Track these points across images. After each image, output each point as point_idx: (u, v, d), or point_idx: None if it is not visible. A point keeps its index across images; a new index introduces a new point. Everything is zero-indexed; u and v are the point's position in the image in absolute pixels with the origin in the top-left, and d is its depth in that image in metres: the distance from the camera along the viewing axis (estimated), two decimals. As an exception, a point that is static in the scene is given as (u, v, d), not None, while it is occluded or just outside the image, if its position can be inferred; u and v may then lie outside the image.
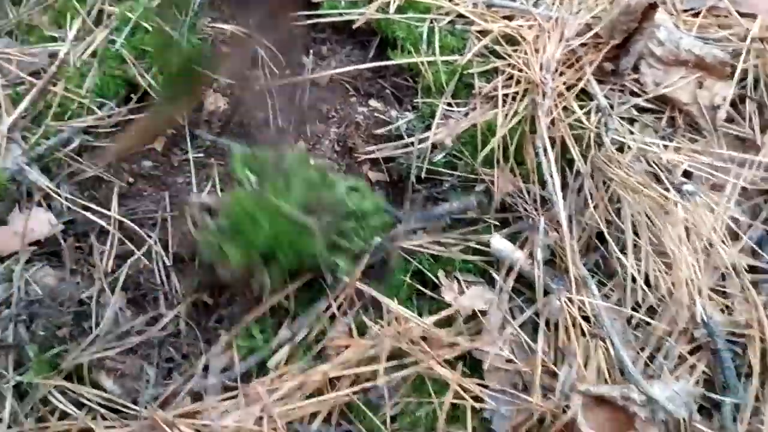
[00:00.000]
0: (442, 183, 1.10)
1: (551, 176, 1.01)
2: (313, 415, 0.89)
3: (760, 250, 1.03)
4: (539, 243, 0.97)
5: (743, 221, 1.03)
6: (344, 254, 0.95)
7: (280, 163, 0.91)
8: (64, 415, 0.89)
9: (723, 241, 0.99)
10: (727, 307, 0.98)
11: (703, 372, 0.94)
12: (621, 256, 0.98)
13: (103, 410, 0.88)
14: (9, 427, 0.87)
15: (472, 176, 1.09)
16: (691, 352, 0.95)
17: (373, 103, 1.19)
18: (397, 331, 0.91)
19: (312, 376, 0.89)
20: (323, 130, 1.17)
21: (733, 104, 1.14)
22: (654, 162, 1.03)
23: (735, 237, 1.03)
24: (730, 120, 1.13)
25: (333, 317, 0.96)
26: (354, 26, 1.21)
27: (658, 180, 0.99)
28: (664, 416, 0.86)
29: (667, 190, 0.95)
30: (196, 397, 0.91)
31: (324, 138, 1.16)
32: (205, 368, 0.91)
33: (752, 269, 1.02)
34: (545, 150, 1.04)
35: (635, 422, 0.86)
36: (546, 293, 0.96)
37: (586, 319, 0.94)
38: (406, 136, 1.12)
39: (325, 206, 0.93)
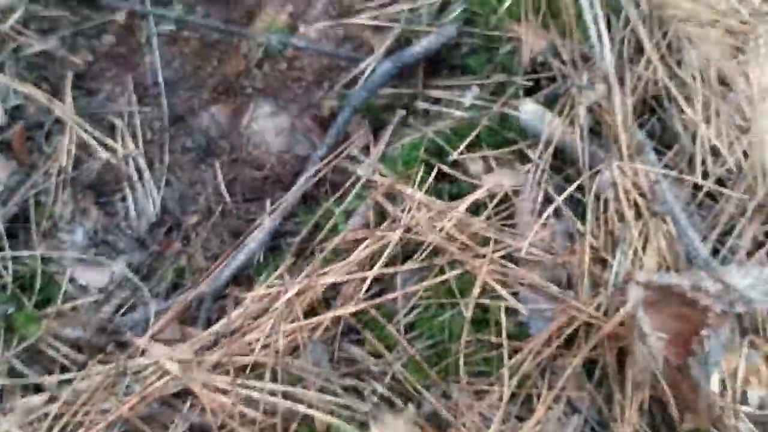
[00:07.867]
0: (459, 46, 0.91)
1: (594, 23, 0.82)
2: (314, 329, 0.73)
3: None
4: (583, 102, 0.78)
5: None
6: None
7: None
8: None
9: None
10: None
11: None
12: (683, 115, 0.79)
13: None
14: None
15: (496, 34, 0.89)
16: (770, 233, 0.77)
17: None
18: (411, 223, 0.75)
19: (312, 281, 0.73)
20: (313, -6, 0.97)
21: None
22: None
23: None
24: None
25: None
26: None
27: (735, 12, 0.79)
28: (743, 308, 0.70)
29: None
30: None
31: (316, 1, 0.97)
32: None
33: None
34: (586, -6, 0.84)
35: (707, 317, 0.69)
36: (592, 168, 0.78)
37: (642, 196, 0.76)
38: (413, -9, 0.93)
39: None
